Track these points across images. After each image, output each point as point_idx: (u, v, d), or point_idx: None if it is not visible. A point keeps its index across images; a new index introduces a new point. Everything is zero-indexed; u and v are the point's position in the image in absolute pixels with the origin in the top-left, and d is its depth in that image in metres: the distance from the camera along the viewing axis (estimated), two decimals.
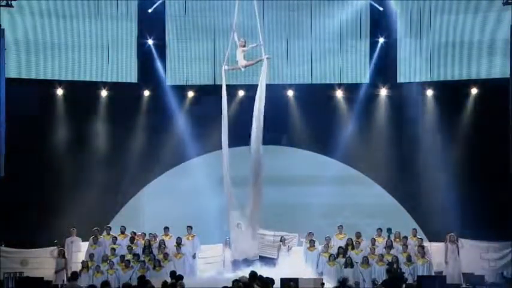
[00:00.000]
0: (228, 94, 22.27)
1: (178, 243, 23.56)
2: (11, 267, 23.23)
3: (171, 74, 25.45)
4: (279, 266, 23.05)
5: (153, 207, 25.14)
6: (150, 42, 25.31)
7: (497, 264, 23.41)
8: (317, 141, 25.43)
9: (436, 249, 23.54)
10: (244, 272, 17.72)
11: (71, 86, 24.96)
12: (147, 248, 23.31)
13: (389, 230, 23.52)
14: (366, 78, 25.31)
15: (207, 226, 24.37)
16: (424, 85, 25.06)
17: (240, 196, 22.14)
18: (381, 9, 24.76)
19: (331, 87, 25.49)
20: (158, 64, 25.38)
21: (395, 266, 21.95)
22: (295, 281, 20.13)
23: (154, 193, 25.44)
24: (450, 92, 24.82)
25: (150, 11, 24.80)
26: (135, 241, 23.71)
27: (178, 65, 25.38)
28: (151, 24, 25.14)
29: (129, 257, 23.08)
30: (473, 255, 23.41)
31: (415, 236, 23.61)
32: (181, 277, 17.43)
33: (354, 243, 23.34)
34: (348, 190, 25.12)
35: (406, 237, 23.40)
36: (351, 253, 23.09)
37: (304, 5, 24.94)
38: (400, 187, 25.06)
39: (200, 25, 25.11)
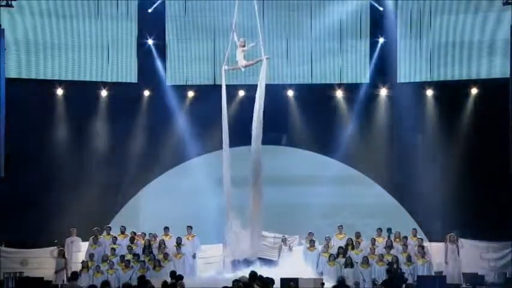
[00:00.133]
0: (228, 94, 22.30)
1: (178, 243, 23.56)
2: (11, 267, 23.24)
3: (171, 74, 25.46)
4: (279, 266, 23.06)
5: (153, 207, 25.13)
6: (150, 42, 25.33)
7: (497, 264, 23.42)
8: (317, 141, 25.42)
9: (436, 249, 23.54)
10: (244, 272, 17.71)
11: (71, 86, 24.96)
12: (147, 248, 23.31)
13: (389, 230, 23.51)
14: (366, 78, 25.32)
15: (207, 226, 24.37)
16: (424, 85, 25.06)
17: (240, 196, 22.15)
18: (381, 9, 24.77)
19: (331, 87, 25.50)
20: (158, 64, 25.39)
21: (395, 266, 21.95)
22: (295, 281, 20.14)
23: (154, 193, 25.43)
24: (450, 92, 24.82)
25: (150, 11, 24.81)
26: (135, 241, 23.71)
27: (178, 65, 25.39)
28: (151, 24, 25.15)
29: (129, 257, 23.07)
30: (473, 255, 23.41)
31: (415, 236, 23.60)
32: (181, 277, 17.43)
33: (354, 243, 23.33)
34: (348, 190, 25.12)
35: (406, 237, 23.40)
36: (351, 253, 23.08)
37: (304, 5, 24.94)
38: (400, 187, 25.05)
39: (200, 25, 25.12)
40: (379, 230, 23.66)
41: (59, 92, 25.16)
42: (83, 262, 23.03)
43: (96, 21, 24.78)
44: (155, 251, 23.37)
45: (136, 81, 25.30)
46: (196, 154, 25.48)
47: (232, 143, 22.26)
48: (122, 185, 25.37)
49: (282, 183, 24.69)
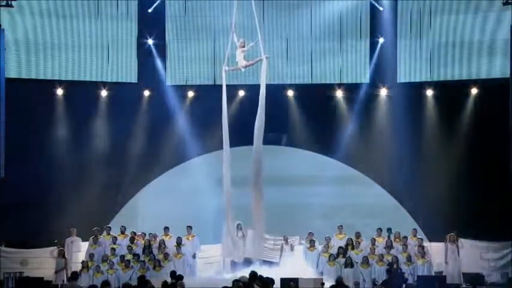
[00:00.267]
0: (228, 94, 22.29)
1: (178, 243, 23.55)
2: (11, 267, 23.24)
3: (171, 74, 25.46)
4: (280, 266, 23.07)
5: (153, 207, 25.12)
6: (150, 42, 25.32)
7: (497, 264, 23.43)
8: (317, 141, 25.42)
9: (436, 249, 23.53)
10: (244, 272, 17.70)
11: (71, 86, 24.96)
12: (147, 248, 23.31)
13: (389, 230, 23.52)
14: (366, 78, 25.32)
15: (207, 226, 24.39)
16: (424, 85, 25.06)
17: (240, 196, 22.15)
18: (381, 9, 24.77)
19: (331, 87, 25.50)
20: (158, 64, 25.39)
21: (395, 266, 21.96)
22: (295, 281, 20.15)
23: (154, 193, 25.43)
24: (450, 92, 24.82)
25: (150, 10, 24.80)
26: (135, 241, 23.71)
27: (178, 65, 25.39)
28: (151, 24, 25.15)
29: (129, 257, 23.07)
30: (473, 255, 23.41)
31: (415, 236, 23.60)
32: (181, 277, 17.43)
33: (354, 243, 23.33)
34: (348, 190, 25.11)
35: (406, 237, 23.40)
36: (351, 253, 23.08)
37: (304, 5, 24.94)
38: (400, 187, 25.03)
39: (200, 25, 25.13)
40: (379, 230, 23.66)
41: (59, 92, 25.16)
42: (83, 262, 23.03)
43: (96, 21, 24.78)
44: (155, 251, 23.37)
45: (136, 81, 25.30)
46: (196, 154, 25.49)
47: (232, 143, 22.25)
48: (122, 185, 25.36)
49: (282, 184, 24.68)
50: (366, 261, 22.75)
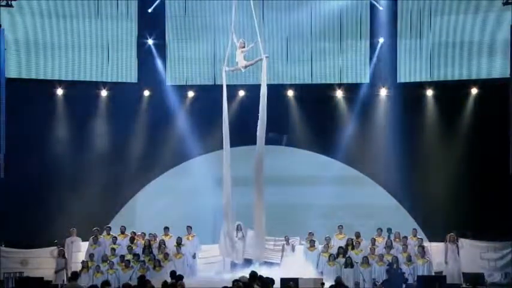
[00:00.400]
0: (228, 94, 22.27)
1: (179, 243, 23.55)
2: (11, 267, 23.24)
3: (171, 74, 25.47)
4: (280, 266, 23.07)
5: (153, 207, 25.13)
6: (150, 42, 25.33)
7: (497, 264, 23.41)
8: (317, 141, 25.43)
9: (436, 249, 23.52)
10: (244, 272, 17.71)
11: (71, 86, 24.98)
12: (147, 248, 23.30)
13: (389, 230, 23.51)
14: (366, 78, 25.32)
15: (207, 226, 24.40)
16: (424, 85, 25.06)
17: (240, 196, 22.15)
18: (381, 8, 24.77)
19: (331, 87, 25.50)
20: (158, 64, 25.40)
21: (395, 266, 21.96)
22: (295, 281, 20.15)
23: (154, 193, 25.44)
24: (450, 92, 24.81)
25: (150, 10, 24.81)
26: (135, 241, 23.70)
27: (178, 65, 25.39)
28: (151, 24, 25.16)
29: (129, 257, 23.07)
30: (473, 255, 23.41)
31: (415, 236, 23.59)
32: (181, 277, 17.41)
33: (354, 243, 23.33)
34: (348, 190, 25.12)
35: (406, 237, 23.39)
36: (351, 253, 23.08)
37: (304, 5, 24.94)
38: (400, 187, 25.03)
39: (200, 25, 25.13)
40: (379, 230, 23.65)
41: (59, 92, 25.17)
42: (83, 262, 23.02)
43: (96, 21, 24.79)
44: (155, 251, 23.37)
45: (136, 81, 25.30)
46: (197, 154, 25.49)
47: (233, 143, 22.25)
48: (122, 185, 25.36)
49: (282, 184, 24.68)
50: (366, 261, 22.75)
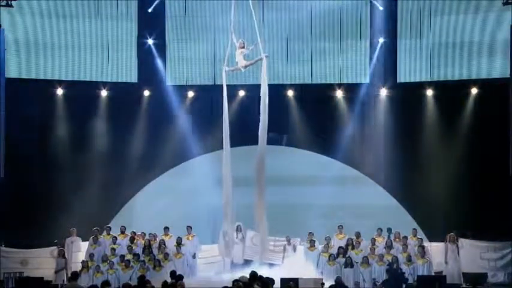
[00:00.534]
0: (228, 94, 22.26)
1: (179, 243, 23.54)
2: (11, 267, 23.22)
3: (171, 74, 25.48)
4: (280, 266, 23.05)
5: (153, 207, 25.12)
6: (150, 42, 25.33)
7: (497, 264, 23.40)
8: (317, 141, 25.43)
9: (436, 249, 23.52)
10: (244, 272, 17.71)
11: (71, 86, 24.98)
12: (147, 248, 23.30)
13: (389, 230, 23.50)
14: (366, 78, 25.34)
15: (207, 226, 24.39)
16: (424, 85, 25.06)
17: (240, 196, 22.14)
18: (381, 8, 24.77)
19: (331, 87, 25.50)
20: (158, 64, 25.40)
21: (395, 266, 21.96)
22: (295, 281, 20.12)
23: (154, 193, 25.43)
24: (450, 92, 24.82)
25: (150, 10, 24.81)
26: (135, 241, 23.70)
27: (178, 65, 25.40)
28: (151, 24, 25.17)
29: (129, 257, 23.07)
30: (473, 255, 23.40)
31: (415, 236, 23.58)
32: (181, 277, 17.41)
33: (354, 243, 23.32)
34: (348, 190, 25.11)
35: (406, 237, 23.38)
36: (351, 253, 23.08)
37: (303, 5, 24.94)
38: (400, 187, 25.05)
39: (200, 25, 25.14)
40: (379, 230, 23.64)
41: (59, 92, 25.17)
42: (83, 262, 23.02)
43: (96, 21, 24.79)
44: (155, 251, 23.36)
45: (136, 81, 25.32)
46: (197, 154, 25.49)
47: (233, 143, 22.24)
48: (122, 185, 25.35)
49: (282, 184, 24.66)
50: (366, 261, 22.74)
